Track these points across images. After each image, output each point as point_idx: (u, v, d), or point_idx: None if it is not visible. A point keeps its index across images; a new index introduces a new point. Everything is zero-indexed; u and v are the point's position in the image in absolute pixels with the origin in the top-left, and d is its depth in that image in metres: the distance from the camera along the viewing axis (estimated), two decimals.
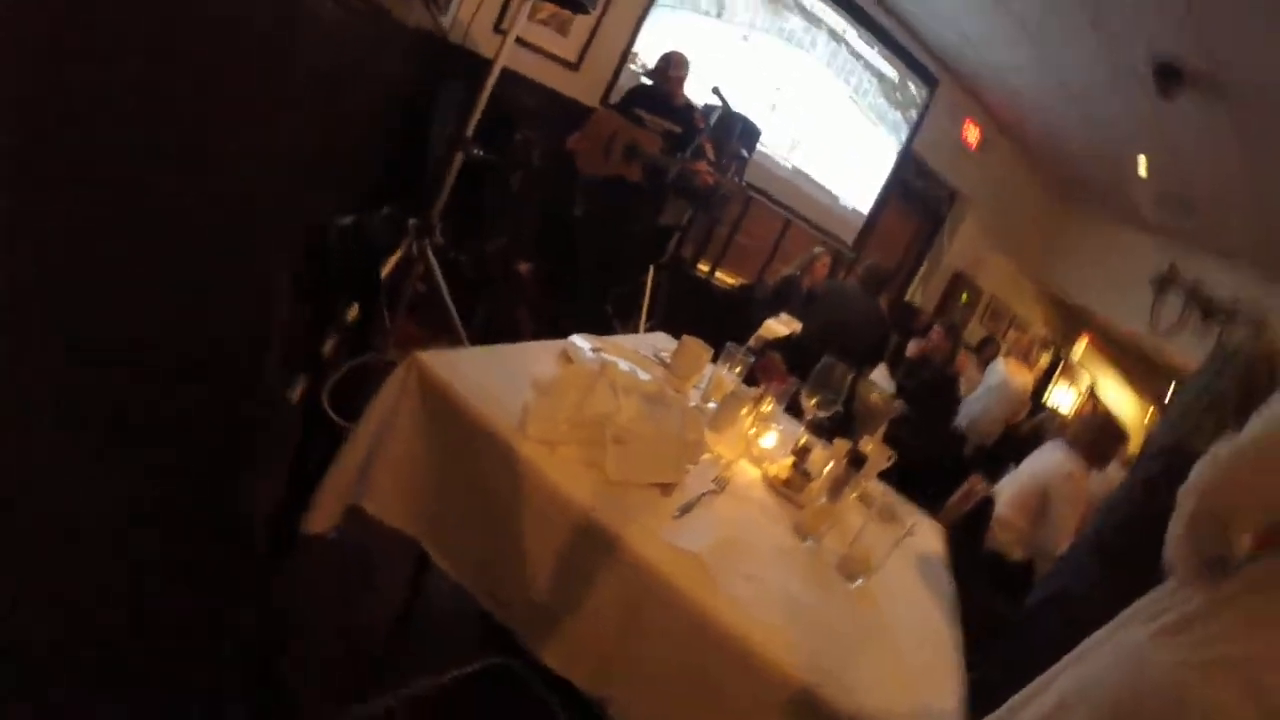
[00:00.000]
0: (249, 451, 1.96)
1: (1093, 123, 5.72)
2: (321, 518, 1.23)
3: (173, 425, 1.57)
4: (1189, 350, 6.40)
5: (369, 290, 2.62)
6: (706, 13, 5.49)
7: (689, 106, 4.49)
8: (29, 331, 1.13)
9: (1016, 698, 1.08)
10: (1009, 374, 5.72)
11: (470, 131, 2.90)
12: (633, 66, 5.28)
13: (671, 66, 4.44)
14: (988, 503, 3.36)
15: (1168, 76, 4.25)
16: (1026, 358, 6.12)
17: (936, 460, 3.85)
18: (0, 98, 0.92)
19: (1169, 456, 2.19)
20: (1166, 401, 7.60)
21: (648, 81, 4.69)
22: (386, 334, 2.69)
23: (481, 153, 3.10)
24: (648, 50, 5.25)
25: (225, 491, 1.79)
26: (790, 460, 1.68)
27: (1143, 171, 5.85)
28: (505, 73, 2.94)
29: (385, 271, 2.69)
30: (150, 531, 1.49)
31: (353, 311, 2.61)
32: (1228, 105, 4.28)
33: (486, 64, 2.87)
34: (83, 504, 1.32)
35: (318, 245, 2.37)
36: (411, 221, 2.82)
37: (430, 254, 2.80)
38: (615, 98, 4.97)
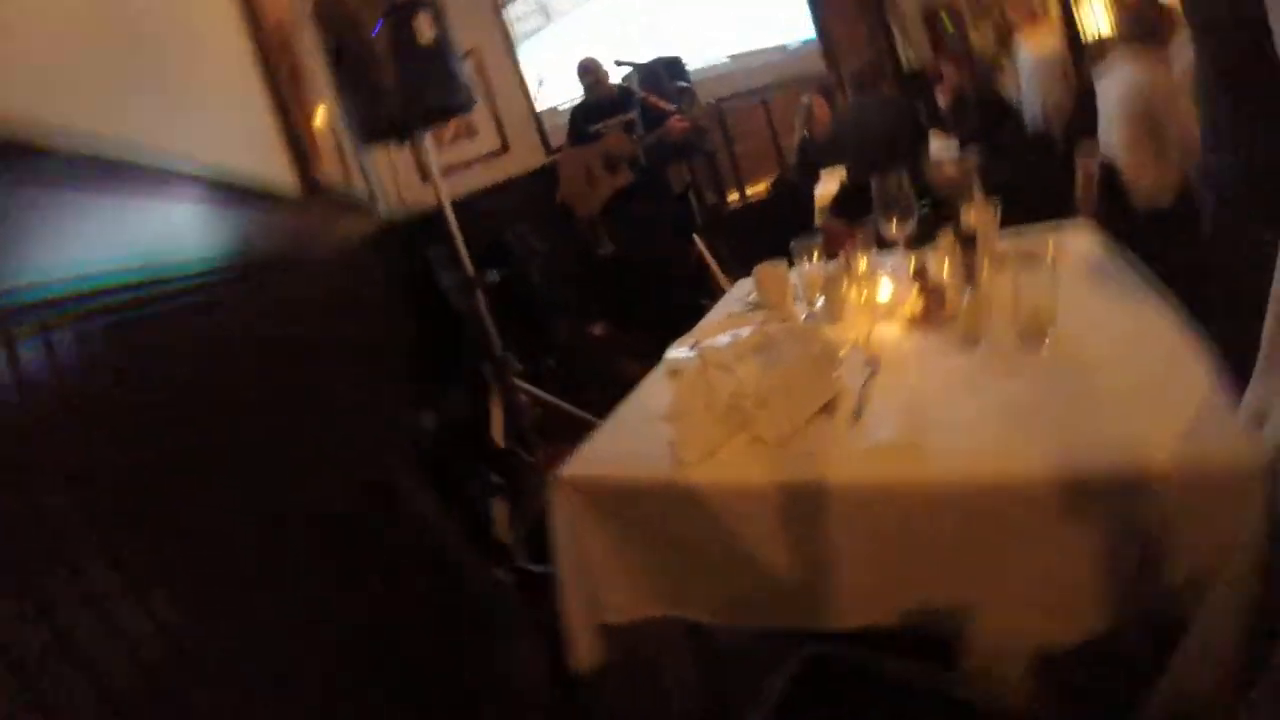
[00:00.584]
0: (494, 626, 2.06)
1: None
2: (584, 652, 1.27)
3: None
4: None
5: (496, 460, 2.71)
6: (555, 12, 5.50)
7: (623, 90, 4.53)
8: None
9: None
10: (1030, 49, 5.09)
11: (471, 268, 3.00)
12: (542, 99, 5.33)
13: (587, 74, 4.54)
14: (1110, 171, 2.96)
15: None
16: (1034, 18, 5.35)
17: (1039, 176, 3.48)
18: None
19: None
20: None
21: (579, 99, 4.74)
22: (538, 470, 2.77)
23: (495, 274, 3.21)
24: (550, 77, 5.32)
25: (495, 667, 1.89)
26: (915, 290, 1.60)
27: None
28: (459, 203, 3.04)
29: (498, 431, 2.80)
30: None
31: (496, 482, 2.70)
32: None
33: (439, 212, 2.98)
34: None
35: (423, 452, 2.47)
36: (486, 367, 2.94)
37: (518, 381, 2.91)
38: (555, 137, 5.07)
